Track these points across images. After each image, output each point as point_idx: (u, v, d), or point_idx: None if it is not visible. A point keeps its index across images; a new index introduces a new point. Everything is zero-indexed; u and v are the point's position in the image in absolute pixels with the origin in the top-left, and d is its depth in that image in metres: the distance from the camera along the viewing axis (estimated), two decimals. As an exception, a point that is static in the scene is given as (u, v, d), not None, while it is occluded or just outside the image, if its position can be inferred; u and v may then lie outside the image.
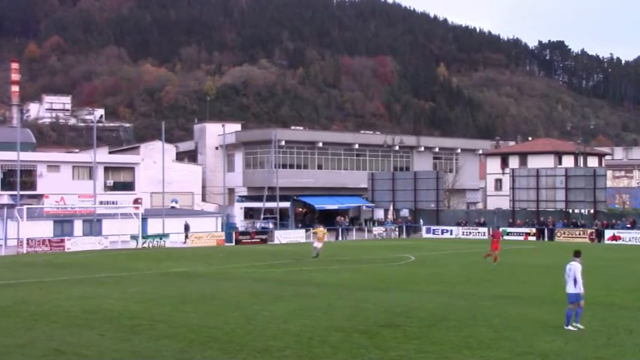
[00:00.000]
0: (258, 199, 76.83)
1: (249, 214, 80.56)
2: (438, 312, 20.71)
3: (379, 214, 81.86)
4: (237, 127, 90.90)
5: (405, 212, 78.76)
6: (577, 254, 18.58)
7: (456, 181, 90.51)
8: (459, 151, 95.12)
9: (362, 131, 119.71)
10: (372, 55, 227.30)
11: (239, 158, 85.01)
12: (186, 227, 62.07)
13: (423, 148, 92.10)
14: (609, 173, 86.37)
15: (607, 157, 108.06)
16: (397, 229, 73.49)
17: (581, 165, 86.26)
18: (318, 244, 42.25)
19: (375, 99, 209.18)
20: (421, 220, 75.61)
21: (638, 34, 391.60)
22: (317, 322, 18.96)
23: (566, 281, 18.37)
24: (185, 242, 59.41)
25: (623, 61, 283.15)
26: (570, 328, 17.89)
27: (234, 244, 60.66)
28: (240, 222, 78.76)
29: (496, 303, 22.67)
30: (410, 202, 78.42)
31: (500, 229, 53.07)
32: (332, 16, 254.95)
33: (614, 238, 61.18)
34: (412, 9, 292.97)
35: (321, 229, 43.79)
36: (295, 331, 17.47)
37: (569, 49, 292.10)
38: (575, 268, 18.18)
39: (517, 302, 22.87)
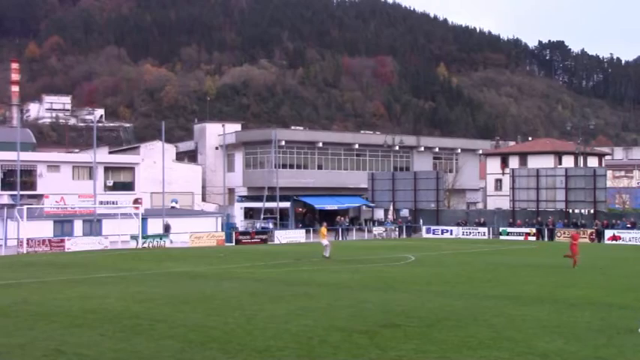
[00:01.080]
0: (258, 199, 76.87)
1: (249, 214, 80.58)
2: (438, 312, 20.70)
3: (379, 214, 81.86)
4: (237, 127, 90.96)
5: (405, 212, 78.77)
6: None
7: (456, 181, 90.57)
8: (459, 151, 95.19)
9: (362, 131, 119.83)
10: (372, 55, 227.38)
11: (239, 158, 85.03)
12: (167, 228, 61.90)
13: (423, 148, 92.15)
14: (609, 173, 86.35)
15: (607, 157, 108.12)
16: (397, 229, 73.47)
17: (581, 165, 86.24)
18: (324, 242, 42.51)
19: (375, 99, 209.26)
20: (421, 220, 75.60)
21: (638, 34, 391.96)
22: (317, 322, 18.95)
23: None
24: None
25: (623, 61, 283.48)
26: None
27: (234, 244, 60.65)
28: (240, 222, 78.76)
29: (496, 303, 22.65)
30: (410, 202, 78.42)
31: (577, 231, 49.46)
32: (332, 16, 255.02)
33: (614, 238, 61.20)
34: (412, 9, 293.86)
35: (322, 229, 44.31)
36: (295, 331, 17.46)
37: (569, 49, 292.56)
38: None
39: (517, 302, 22.84)
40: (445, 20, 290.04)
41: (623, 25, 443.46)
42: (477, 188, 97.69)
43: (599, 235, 62.70)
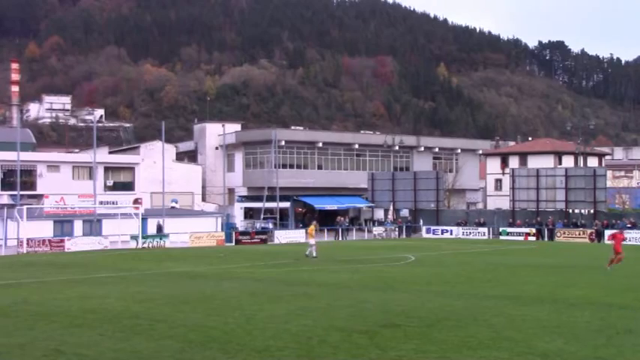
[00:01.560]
0: (258, 199, 76.90)
1: (249, 214, 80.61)
2: (438, 312, 20.69)
3: (379, 214, 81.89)
4: (237, 127, 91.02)
5: (405, 212, 78.78)
6: None
7: (456, 181, 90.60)
8: (459, 151, 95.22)
9: (362, 131, 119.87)
10: (372, 55, 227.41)
11: (239, 158, 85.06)
12: (159, 228, 61.87)
13: (422, 148, 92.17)
14: (609, 173, 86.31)
15: (607, 157, 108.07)
16: (397, 229, 73.48)
17: (581, 165, 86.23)
18: (311, 241, 42.92)
19: (375, 99, 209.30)
20: (421, 220, 75.60)
21: (638, 34, 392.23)
22: (316, 322, 18.93)
23: None
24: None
25: (623, 61, 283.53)
26: None
27: (234, 244, 60.66)
28: (240, 222, 78.77)
29: (496, 303, 22.64)
30: (410, 202, 78.43)
31: (620, 232, 44.96)
32: (332, 16, 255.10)
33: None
34: (412, 9, 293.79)
35: (311, 227, 44.94)
36: (295, 331, 17.45)
37: (569, 49, 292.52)
38: None
39: (517, 302, 22.83)
40: (445, 20, 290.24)
41: (623, 25, 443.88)
42: (477, 188, 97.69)
43: (599, 235, 62.70)
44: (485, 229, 70.12)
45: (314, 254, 42.04)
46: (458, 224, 72.96)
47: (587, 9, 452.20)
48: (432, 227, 73.67)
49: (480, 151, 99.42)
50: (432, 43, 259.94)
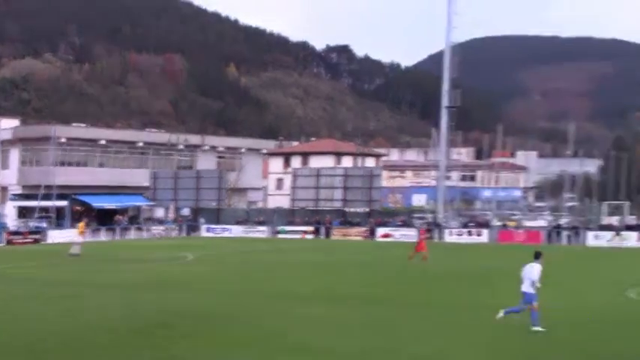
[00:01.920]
0: (35, 197, 74.10)
1: (24, 213, 77.41)
2: (212, 310, 21.02)
3: (159, 212, 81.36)
4: (16, 122, 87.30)
5: (185, 211, 78.64)
6: (537, 256, 17.90)
7: (239, 180, 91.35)
8: (244, 150, 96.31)
9: (147, 129, 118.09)
10: (161, 53, 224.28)
11: (15, 155, 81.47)
12: None
13: (207, 147, 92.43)
14: (385, 173, 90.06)
15: (384, 158, 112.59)
16: (177, 227, 73.30)
17: (360, 165, 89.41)
18: (78, 239, 42.86)
19: (163, 97, 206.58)
20: (202, 219, 75.67)
21: (418, 42, 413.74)
22: (86, 323, 18.68)
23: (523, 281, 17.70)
24: None
25: (402, 67, 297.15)
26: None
27: (5, 244, 58.17)
28: (12, 221, 75.34)
29: (272, 301, 23.21)
30: (192, 201, 78.23)
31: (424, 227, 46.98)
32: (122, 11, 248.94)
33: (386, 235, 64.24)
34: (204, 8, 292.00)
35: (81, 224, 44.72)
36: (62, 333, 17.21)
37: (354, 54, 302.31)
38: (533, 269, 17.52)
39: (293, 300, 23.52)
40: (236, 20, 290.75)
41: (404, 33, 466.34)
42: (259, 187, 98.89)
43: (372, 233, 65.55)
44: (264, 228, 71.22)
45: (77, 251, 41.42)
46: (238, 223, 73.67)
47: (373, 15, 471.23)
48: (212, 226, 73.78)
49: (265, 151, 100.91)
50: (222, 42, 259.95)
